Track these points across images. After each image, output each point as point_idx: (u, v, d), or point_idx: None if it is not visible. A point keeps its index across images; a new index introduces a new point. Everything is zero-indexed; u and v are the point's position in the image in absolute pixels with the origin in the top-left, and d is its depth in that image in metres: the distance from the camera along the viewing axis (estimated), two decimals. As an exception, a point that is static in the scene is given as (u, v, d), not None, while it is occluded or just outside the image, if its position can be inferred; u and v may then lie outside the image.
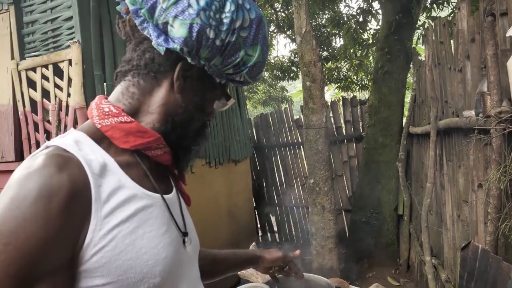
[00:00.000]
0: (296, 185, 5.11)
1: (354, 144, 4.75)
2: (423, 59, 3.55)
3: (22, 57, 2.87)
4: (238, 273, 1.93)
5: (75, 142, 0.67)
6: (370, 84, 5.35)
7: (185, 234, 0.76)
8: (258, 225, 5.28)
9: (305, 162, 4.04)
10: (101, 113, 0.73)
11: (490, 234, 1.91)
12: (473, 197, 2.30)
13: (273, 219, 5.27)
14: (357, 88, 7.45)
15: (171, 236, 0.71)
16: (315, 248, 3.46)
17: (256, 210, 5.25)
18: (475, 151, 2.17)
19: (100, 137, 0.71)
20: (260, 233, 5.26)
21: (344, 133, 4.80)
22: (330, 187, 3.47)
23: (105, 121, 0.71)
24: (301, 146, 4.88)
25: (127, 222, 0.64)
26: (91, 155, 0.66)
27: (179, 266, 0.73)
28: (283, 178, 5.18)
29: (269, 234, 5.25)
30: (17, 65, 2.85)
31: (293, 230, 5.15)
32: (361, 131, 4.66)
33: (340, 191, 4.82)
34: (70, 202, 0.58)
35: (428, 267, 2.85)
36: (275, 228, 5.26)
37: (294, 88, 11.35)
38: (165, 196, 0.74)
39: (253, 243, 1.93)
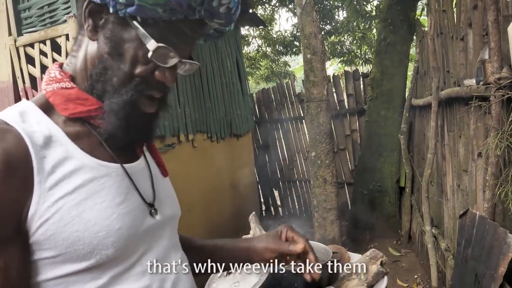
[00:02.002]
0: (299, 160, 5.13)
1: (357, 118, 4.74)
2: (427, 29, 3.49)
3: (20, 33, 2.86)
4: (243, 237, 1.97)
5: (20, 113, 0.65)
6: (373, 57, 5.28)
7: (150, 205, 0.74)
8: (261, 199, 5.34)
9: (307, 136, 4.04)
10: (48, 79, 0.71)
11: (488, 201, 1.92)
12: (472, 167, 2.30)
13: (276, 193, 5.31)
14: (360, 62, 7.35)
15: (130, 206, 0.69)
16: (317, 220, 3.51)
17: (259, 185, 5.30)
18: (475, 120, 2.16)
19: (48, 106, 0.69)
20: (263, 207, 5.32)
21: (347, 107, 4.78)
22: (331, 160, 3.48)
23: (49, 87, 0.70)
24: (303, 121, 4.87)
25: (74, 194, 0.63)
26: (35, 126, 0.64)
27: (143, 236, 0.72)
28: (285, 153, 5.20)
29: (272, 208, 5.31)
30: (15, 41, 2.84)
31: (296, 204, 5.20)
32: (363, 104, 4.63)
33: (343, 164, 4.83)
34: (6, 175, 0.57)
35: (428, 237, 2.89)
36: (278, 202, 5.31)
37: (297, 64, 11.23)
38: (127, 165, 0.72)
39: (253, 213, 1.96)
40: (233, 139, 4.30)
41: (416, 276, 3.21)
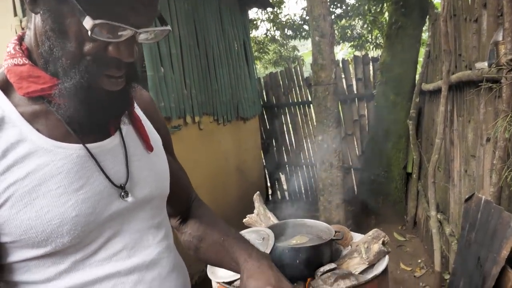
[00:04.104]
0: (306, 144, 5.11)
1: (365, 103, 4.69)
2: (439, 11, 3.41)
3: (24, 14, 2.85)
4: (243, 220, 1.99)
5: None
6: (383, 41, 5.20)
7: (121, 187, 0.69)
8: (268, 184, 5.35)
9: (314, 120, 4.02)
10: (6, 54, 0.65)
11: (494, 185, 1.90)
12: (480, 152, 2.28)
13: (282, 177, 5.32)
14: (371, 47, 7.25)
15: (92, 191, 0.65)
16: (322, 204, 3.52)
17: (265, 169, 5.31)
18: (485, 104, 2.13)
19: (8, 84, 0.64)
20: (269, 191, 5.35)
21: (355, 92, 4.73)
22: (338, 144, 3.46)
23: (5, 64, 0.64)
24: (311, 105, 4.84)
25: (26, 180, 0.60)
26: None
27: (109, 221, 0.68)
28: (292, 137, 5.19)
29: (278, 192, 5.33)
30: (20, 22, 2.84)
31: (302, 188, 5.21)
32: (372, 89, 4.58)
33: (350, 150, 4.81)
34: None
35: (433, 222, 2.88)
36: (285, 187, 5.33)
37: (306, 49, 11.10)
38: (93, 145, 0.67)
39: (257, 192, 1.97)
40: (240, 122, 4.30)
41: (419, 261, 3.22)
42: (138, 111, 0.81)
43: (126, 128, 0.76)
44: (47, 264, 0.63)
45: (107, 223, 0.68)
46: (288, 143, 5.23)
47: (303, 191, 5.22)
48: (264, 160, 5.28)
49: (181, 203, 0.98)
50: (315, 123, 3.76)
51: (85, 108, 0.62)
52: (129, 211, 0.72)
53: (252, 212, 1.95)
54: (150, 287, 0.72)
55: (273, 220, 1.83)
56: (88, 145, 0.66)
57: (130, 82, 0.67)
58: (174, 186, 0.91)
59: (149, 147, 0.79)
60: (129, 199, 0.71)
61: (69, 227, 0.62)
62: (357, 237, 1.71)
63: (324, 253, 1.52)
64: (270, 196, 5.32)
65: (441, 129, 2.87)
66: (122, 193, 0.70)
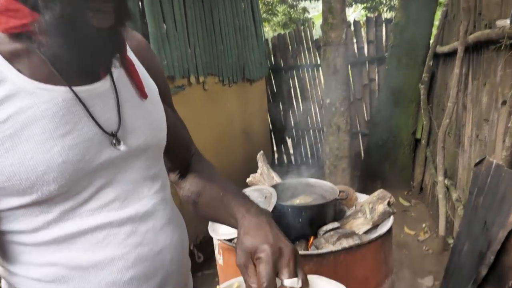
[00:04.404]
0: (313, 108, 5.03)
1: (376, 67, 4.55)
2: (459, -32, 3.22)
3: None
4: (247, 180, 1.96)
5: None
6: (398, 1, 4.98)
7: (112, 134, 0.65)
8: (274, 148, 5.33)
9: (322, 84, 3.92)
10: None
11: (507, 149, 1.84)
12: (494, 115, 2.20)
13: (289, 141, 5.29)
14: (385, 9, 6.97)
15: (80, 137, 0.61)
16: (328, 168, 3.49)
17: (272, 132, 5.27)
18: (503, 65, 2.03)
19: None
20: (276, 155, 5.33)
21: (366, 55, 4.58)
22: (346, 108, 3.39)
23: None
24: (320, 68, 4.71)
25: (7, 123, 0.55)
26: None
27: (100, 170, 0.64)
28: (300, 101, 5.10)
29: (284, 156, 5.31)
30: None
31: (308, 152, 5.18)
32: (384, 52, 4.43)
33: (358, 114, 4.73)
34: None
35: (440, 187, 2.84)
36: (291, 151, 5.30)
37: (317, 11, 10.75)
38: (80, 88, 0.62)
39: (261, 152, 1.93)
40: (246, 84, 4.21)
41: (424, 225, 3.21)
42: (130, 54, 0.75)
43: (118, 72, 0.70)
44: (35, 213, 0.61)
45: (98, 172, 0.64)
46: (295, 107, 5.15)
47: (309, 155, 5.20)
48: (270, 124, 5.22)
49: (180, 157, 0.94)
50: (323, 86, 3.66)
51: (70, 47, 0.57)
52: (122, 160, 0.68)
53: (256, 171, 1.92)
54: (144, 239, 0.69)
55: (277, 179, 1.81)
56: (75, 88, 0.61)
57: (121, 20, 0.61)
58: (173, 138, 0.87)
59: (143, 94, 0.74)
60: (122, 147, 0.67)
61: (56, 175, 0.58)
62: (362, 197, 1.68)
63: (327, 213, 1.49)
64: (276, 160, 5.31)
65: (454, 93, 2.77)
66: (114, 141, 0.66)
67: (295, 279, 0.64)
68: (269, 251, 0.64)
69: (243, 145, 4.05)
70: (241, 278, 0.70)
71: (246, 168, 3.56)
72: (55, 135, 0.58)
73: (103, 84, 0.66)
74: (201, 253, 2.76)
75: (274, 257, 0.64)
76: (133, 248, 0.67)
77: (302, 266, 0.67)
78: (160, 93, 0.82)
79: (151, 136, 0.74)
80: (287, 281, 0.63)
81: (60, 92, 0.59)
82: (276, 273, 0.64)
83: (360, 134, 4.74)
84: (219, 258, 1.48)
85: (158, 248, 0.71)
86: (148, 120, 0.74)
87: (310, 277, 0.68)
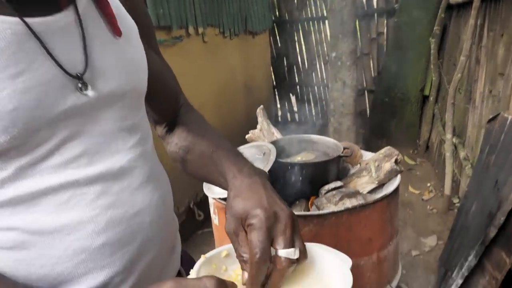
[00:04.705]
0: (318, 64, 4.85)
1: (385, 19, 4.31)
2: None
3: None
4: (246, 136, 1.87)
5: None
6: None
7: (77, 77, 0.55)
8: (278, 104, 5.20)
9: (329, 38, 3.72)
10: None
11: (524, 105, 1.72)
12: (511, 69, 2.06)
13: (293, 98, 5.15)
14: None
15: (36, 79, 0.51)
16: (333, 125, 3.38)
17: (275, 89, 5.12)
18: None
19: None
20: (279, 112, 5.21)
21: (375, 6, 4.33)
22: (352, 62, 3.23)
23: None
24: (326, 21, 4.48)
25: None
26: None
27: (64, 119, 0.55)
28: (305, 56, 4.90)
29: (288, 113, 5.20)
30: None
31: (312, 110, 5.06)
32: (394, 3, 4.18)
33: (365, 70, 4.55)
34: None
35: (448, 145, 2.75)
36: (295, 108, 5.18)
37: (325, -39, 10.17)
38: (35, 20, 0.52)
39: (261, 106, 1.82)
40: (248, 36, 4.01)
41: (429, 184, 3.15)
42: None
43: (85, 3, 0.59)
44: None
45: (62, 121, 0.54)
46: (300, 62, 4.96)
47: (313, 112, 5.08)
48: (274, 80, 5.06)
49: (166, 108, 0.84)
50: (329, 39, 3.48)
51: None
52: (92, 108, 0.58)
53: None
54: (117, 199, 0.60)
55: (277, 135, 1.71)
56: (28, 20, 0.50)
57: None
58: (157, 86, 0.77)
59: (116, 31, 0.62)
60: (90, 93, 0.57)
61: (6, 124, 0.48)
62: (367, 155, 1.59)
63: (330, 171, 1.41)
64: (279, 118, 5.20)
65: (468, 45, 2.61)
66: (80, 85, 0.55)
67: (292, 249, 0.55)
68: (262, 216, 0.56)
69: (245, 100, 3.92)
70: (229, 246, 0.63)
71: (248, 124, 3.46)
72: (4, 76, 0.48)
73: (65, 17, 0.55)
74: (201, 211, 2.72)
75: (268, 223, 0.56)
76: (104, 210, 0.58)
77: (300, 234, 0.59)
78: (141, 34, 0.71)
79: (126, 80, 0.63)
80: (282, 252, 0.55)
81: (9, 23, 0.49)
82: (270, 242, 0.56)
83: (366, 91, 4.59)
84: (215, 218, 1.42)
85: (134, 210, 0.62)
86: (123, 62, 0.63)
87: (309, 246, 0.60)
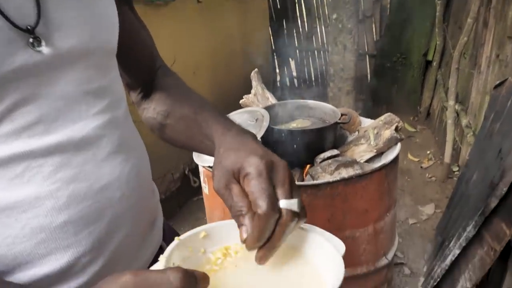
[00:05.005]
0: (319, 27, 4.66)
1: (390, -21, 4.10)
2: None
3: None
4: (240, 102, 1.79)
5: None
6: None
7: (28, 30, 0.47)
8: (277, 69, 5.06)
9: (330, -1, 3.55)
10: None
11: (534, 69, 1.62)
12: (521, 31, 1.95)
13: (292, 63, 5.00)
14: None
15: None
16: (332, 90, 3.28)
17: (274, 53, 4.96)
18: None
19: None
20: (278, 77, 5.08)
21: (380, -35, 4.10)
22: (354, 25, 3.08)
23: None
24: (328, -19, 4.26)
25: None
26: None
27: (12, 80, 0.47)
28: (305, 19, 4.71)
29: (287, 79, 5.07)
30: None
31: (312, 75, 4.92)
32: (400, -39, 3.96)
33: (367, 34, 4.37)
34: None
35: (450, 112, 2.66)
36: (294, 73, 5.04)
37: None
38: None
39: (255, 70, 1.73)
40: (246, -3, 3.83)
41: (428, 152, 3.09)
42: None
43: None
44: None
45: (11, 82, 0.47)
46: (300, 25, 4.77)
47: (313, 78, 4.94)
48: (273, 43, 4.89)
49: (142, 70, 0.76)
50: (330, 0, 3.31)
51: None
52: (48, 68, 0.50)
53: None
54: (81, 172, 0.53)
55: (272, 100, 1.63)
56: None
57: None
58: (132, 46, 0.70)
59: None
60: (45, 49, 0.49)
61: None
62: (366, 122, 1.51)
63: (326, 138, 1.34)
64: (278, 83, 5.07)
65: (476, 7, 2.47)
66: (31, 40, 0.48)
67: (294, 200, 0.49)
68: (260, 163, 0.49)
69: (243, 63, 3.78)
70: (208, 226, 0.55)
71: (245, 90, 3.35)
72: None
73: None
74: (196, 178, 2.68)
75: (267, 169, 0.49)
76: (65, 184, 0.51)
77: (297, 187, 0.52)
78: None
79: (91, 36, 0.55)
80: (284, 202, 0.48)
81: None
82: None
83: (367, 56, 4.44)
84: (205, 187, 1.36)
85: (101, 184, 0.55)
86: (86, 15, 0.54)
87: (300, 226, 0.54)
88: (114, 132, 0.59)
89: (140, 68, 0.75)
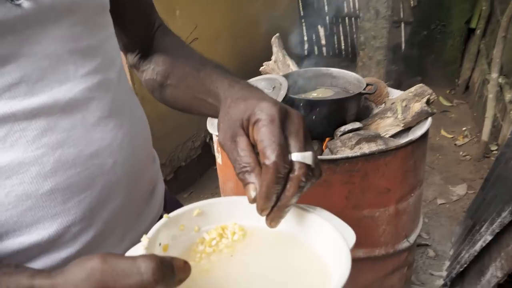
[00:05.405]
0: (352, -9, 4.39)
1: None
2: None
3: None
4: (260, 69, 1.68)
5: None
6: None
7: None
8: (305, 37, 4.85)
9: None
10: None
11: None
12: None
13: (321, 30, 4.78)
14: None
15: None
16: (361, 59, 3.09)
17: (302, 19, 4.74)
18: None
19: None
20: (306, 45, 4.88)
21: None
22: (389, -12, 2.84)
23: None
24: None
25: None
26: None
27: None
28: (337, -18, 4.44)
29: (315, 47, 4.86)
30: None
31: (342, 43, 4.69)
32: None
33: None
34: None
35: (492, 86, 2.44)
36: (323, 41, 4.82)
37: None
38: None
39: (276, 34, 1.61)
40: (275, -43, 3.61)
41: (464, 129, 2.88)
42: None
43: None
44: None
45: (6, 36, 0.44)
46: (331, -11, 4.51)
47: (342, 46, 4.71)
48: (301, 9, 4.67)
49: (139, 30, 0.71)
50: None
51: None
52: (30, 24, 0.46)
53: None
54: (68, 137, 0.50)
55: (293, 68, 1.51)
56: None
57: None
58: (128, 4, 0.65)
59: None
60: (25, 3, 0.45)
61: None
62: (395, 94, 1.38)
63: (348, 110, 1.22)
64: (306, 51, 4.88)
65: (531, -34, 2.20)
66: None
67: (309, 153, 0.42)
68: (272, 108, 0.44)
69: (267, 30, 3.61)
70: (203, 203, 0.49)
71: (269, 57, 3.23)
72: None
73: None
74: (216, 146, 2.62)
75: (281, 116, 0.43)
76: (51, 149, 0.48)
77: (311, 142, 0.46)
78: None
79: None
80: (297, 155, 0.42)
81: None
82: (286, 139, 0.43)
83: (403, 23, 4.16)
84: (218, 157, 1.29)
85: (91, 150, 0.51)
86: None
87: (307, 209, 0.47)
88: (105, 95, 0.54)
89: (137, 27, 0.70)
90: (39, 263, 0.50)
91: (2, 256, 0.47)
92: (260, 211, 0.42)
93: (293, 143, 0.42)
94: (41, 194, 0.47)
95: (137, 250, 0.39)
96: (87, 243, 0.52)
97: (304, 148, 0.43)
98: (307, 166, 0.42)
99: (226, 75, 0.58)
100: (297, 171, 0.41)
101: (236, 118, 0.46)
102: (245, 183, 0.43)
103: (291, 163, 0.41)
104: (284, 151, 0.41)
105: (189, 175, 2.58)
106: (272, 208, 0.42)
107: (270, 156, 0.40)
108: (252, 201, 0.43)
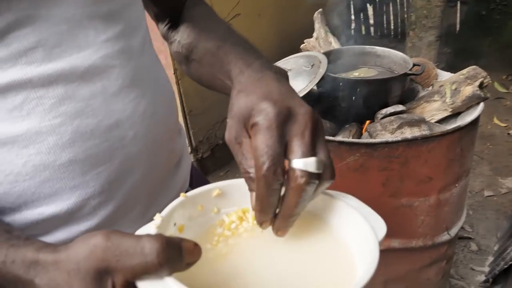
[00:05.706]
0: (405, -33, 4.14)
1: None
2: None
3: None
4: (301, 46, 1.63)
5: None
6: None
7: None
8: (352, 15, 4.66)
9: None
10: None
11: None
12: None
13: (370, 9, 4.57)
14: None
15: None
16: (411, 40, 2.92)
17: (351, -3, 4.55)
18: None
19: None
20: (353, 24, 4.69)
21: None
22: (447, -38, 2.64)
23: None
24: None
25: None
26: None
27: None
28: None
29: (363, 27, 4.67)
30: None
31: (391, 23, 4.47)
32: None
33: (462, -25, 3.80)
34: None
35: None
36: (371, 21, 4.61)
37: None
38: None
39: (319, 10, 1.54)
40: None
41: (520, 118, 2.68)
42: None
43: None
44: None
45: (3, 1, 0.41)
46: (382, -36, 4.28)
47: (392, 27, 4.49)
48: (350, -14, 4.48)
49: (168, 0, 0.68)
50: None
51: None
52: None
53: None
54: (87, 106, 0.48)
55: (335, 46, 1.44)
56: None
57: None
58: None
59: None
60: None
61: None
62: (444, 76, 1.28)
63: (391, 91, 1.15)
64: (352, 31, 4.69)
65: None
66: None
67: (312, 159, 0.38)
68: (270, 110, 0.39)
69: (312, 7, 3.49)
70: (223, 183, 0.46)
71: (311, 30, 3.13)
72: None
73: None
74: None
75: (279, 120, 0.39)
76: (69, 118, 0.47)
77: (325, 142, 0.41)
78: None
79: None
80: (298, 162, 0.38)
81: None
82: (283, 147, 0.39)
83: (459, 2, 3.88)
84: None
85: (111, 121, 0.49)
86: None
87: (335, 196, 0.44)
88: (127, 63, 0.52)
89: None
90: (58, 235, 0.50)
91: (22, 227, 0.47)
92: (259, 224, 0.40)
93: (296, 147, 0.39)
94: (58, 165, 0.46)
95: (149, 228, 0.37)
96: (107, 217, 0.51)
97: (309, 152, 0.39)
98: (311, 173, 0.38)
99: (242, 54, 0.53)
100: (298, 179, 0.37)
101: (238, 117, 0.43)
102: (249, 189, 0.41)
103: (293, 170, 0.38)
104: (277, 162, 0.38)
105: (226, 153, 2.56)
106: (277, 217, 0.40)
107: (259, 169, 0.37)
108: (253, 209, 0.41)
